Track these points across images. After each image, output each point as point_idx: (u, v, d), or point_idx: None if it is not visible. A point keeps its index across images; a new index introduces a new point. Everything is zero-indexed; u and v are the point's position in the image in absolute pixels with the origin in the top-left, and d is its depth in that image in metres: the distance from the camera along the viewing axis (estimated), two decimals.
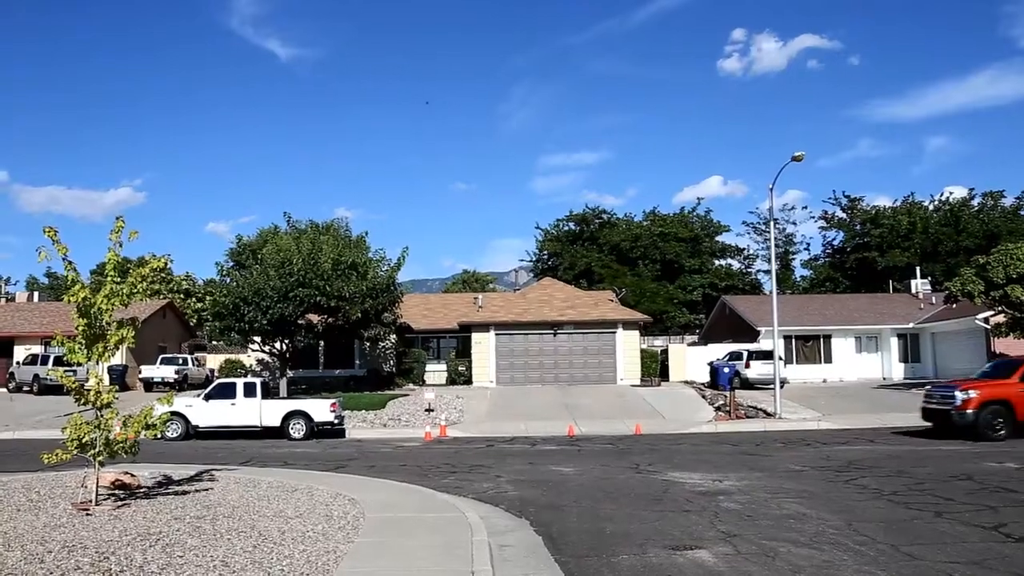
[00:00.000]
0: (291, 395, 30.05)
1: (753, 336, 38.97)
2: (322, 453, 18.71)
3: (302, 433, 22.66)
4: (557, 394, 31.93)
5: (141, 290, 10.03)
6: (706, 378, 36.37)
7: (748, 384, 33.32)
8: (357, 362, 40.00)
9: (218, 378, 32.36)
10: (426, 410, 26.58)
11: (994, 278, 28.07)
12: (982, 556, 7.49)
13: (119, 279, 9.89)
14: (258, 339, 33.39)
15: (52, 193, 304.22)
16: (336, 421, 23.27)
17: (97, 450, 9.52)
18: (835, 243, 66.38)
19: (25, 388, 34.72)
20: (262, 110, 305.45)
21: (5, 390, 35.71)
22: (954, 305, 33.57)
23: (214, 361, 42.09)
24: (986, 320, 32.42)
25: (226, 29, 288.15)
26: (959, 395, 19.02)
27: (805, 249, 70.12)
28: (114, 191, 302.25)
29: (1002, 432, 18.50)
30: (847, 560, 7.41)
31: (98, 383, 9.70)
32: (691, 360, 39.96)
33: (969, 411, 18.75)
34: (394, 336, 39.02)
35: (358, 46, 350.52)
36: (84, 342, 9.65)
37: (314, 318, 33.41)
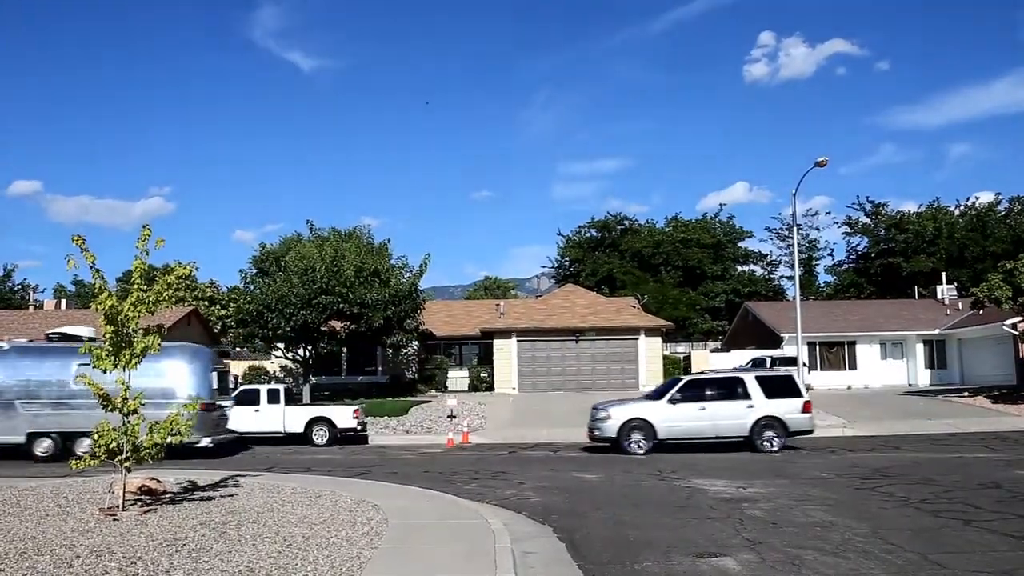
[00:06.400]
0: (314, 401, 30.23)
1: (777, 342, 38.68)
2: (345, 459, 18.80)
3: (325, 439, 22.77)
4: (579, 401, 31.80)
5: (167, 297, 10.10)
6: None
7: None
8: (379, 368, 40.19)
9: (242, 384, 32.64)
10: (448, 416, 26.61)
11: (1022, 284, 27.67)
12: (1012, 565, 7.37)
13: (145, 287, 10.01)
14: (281, 346, 33.68)
15: (83, 203, 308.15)
16: (359, 427, 23.36)
17: (124, 456, 9.64)
18: (859, 249, 65.72)
19: None
20: (287, 120, 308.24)
21: None
22: (981, 311, 33.10)
23: (238, 367, 42.51)
24: (1014, 326, 31.94)
25: (250, 42, 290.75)
26: None
27: (829, 255, 69.33)
28: (144, 201, 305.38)
29: None
30: (874, 568, 7.33)
31: (125, 390, 9.81)
32: (714, 366, 39.70)
33: None
34: (416, 343, 39.16)
35: (379, 57, 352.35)
36: (111, 349, 9.76)
37: (337, 325, 33.62)
